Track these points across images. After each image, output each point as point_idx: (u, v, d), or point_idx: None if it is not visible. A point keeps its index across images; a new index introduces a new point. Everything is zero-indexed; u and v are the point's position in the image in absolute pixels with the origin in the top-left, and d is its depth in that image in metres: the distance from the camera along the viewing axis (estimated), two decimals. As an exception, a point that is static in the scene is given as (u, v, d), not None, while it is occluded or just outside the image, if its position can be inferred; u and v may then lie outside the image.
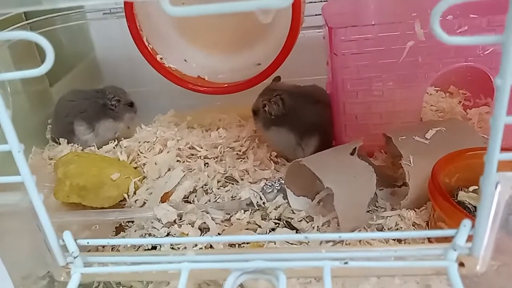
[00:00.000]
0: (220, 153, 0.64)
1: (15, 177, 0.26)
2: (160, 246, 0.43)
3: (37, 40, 0.22)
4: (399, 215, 0.47)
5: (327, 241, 0.34)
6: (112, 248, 0.42)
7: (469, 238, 0.26)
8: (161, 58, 0.67)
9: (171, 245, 0.44)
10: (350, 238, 0.26)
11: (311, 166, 0.45)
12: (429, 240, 0.38)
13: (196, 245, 0.43)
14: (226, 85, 0.67)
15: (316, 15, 0.68)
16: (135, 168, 0.63)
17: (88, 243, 0.28)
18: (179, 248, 0.44)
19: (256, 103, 0.62)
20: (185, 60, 0.71)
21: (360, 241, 0.37)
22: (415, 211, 0.47)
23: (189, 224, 0.49)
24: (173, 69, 0.68)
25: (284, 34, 0.65)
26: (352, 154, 0.49)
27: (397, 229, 0.44)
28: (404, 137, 0.51)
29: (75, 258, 0.28)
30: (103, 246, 0.40)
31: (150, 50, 0.66)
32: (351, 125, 0.60)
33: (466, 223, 0.26)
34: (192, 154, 0.65)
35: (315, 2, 0.73)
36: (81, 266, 0.27)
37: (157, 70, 0.67)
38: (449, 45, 0.54)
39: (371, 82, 0.57)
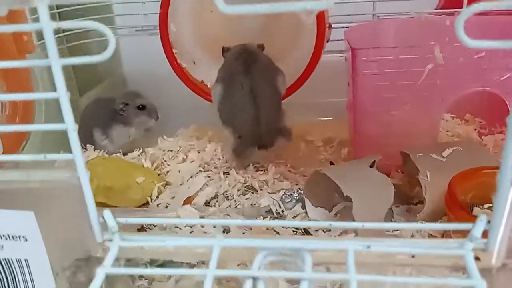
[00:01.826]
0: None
1: (67, 154, 0.29)
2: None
3: (99, 28, 0.25)
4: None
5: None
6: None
7: (485, 236, 0.28)
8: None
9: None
10: (373, 227, 0.28)
11: (331, 175, 0.47)
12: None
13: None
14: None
15: (337, 40, 0.71)
16: (159, 174, 0.66)
17: (126, 221, 0.31)
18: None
19: None
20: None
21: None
22: (431, 224, 0.48)
23: (212, 225, 0.50)
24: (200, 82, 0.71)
25: (303, 56, 0.68)
26: (371, 166, 0.50)
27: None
28: (421, 154, 0.52)
29: (113, 233, 0.30)
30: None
31: (179, 64, 0.70)
32: (369, 144, 0.62)
33: (482, 217, 0.27)
34: (214, 167, 0.68)
35: (336, 28, 0.76)
36: (119, 241, 0.29)
37: (188, 87, 0.70)
38: (467, 70, 0.57)
39: (390, 102, 0.59)
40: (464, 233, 0.38)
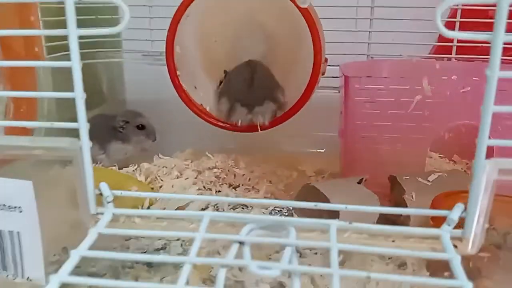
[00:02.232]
0: (232, 185, 0.68)
1: (72, 123, 0.31)
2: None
3: (116, 2, 0.28)
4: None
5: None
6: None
7: (462, 226, 0.30)
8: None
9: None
10: (356, 209, 0.29)
11: (320, 187, 0.49)
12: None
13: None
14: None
15: (332, 77, 0.75)
16: (152, 188, 0.67)
17: (121, 193, 0.32)
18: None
19: None
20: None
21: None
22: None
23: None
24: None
25: (299, 87, 0.72)
26: (359, 183, 0.52)
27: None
28: (408, 177, 0.54)
29: (108, 203, 0.31)
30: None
31: (182, 86, 0.73)
32: (359, 170, 0.64)
33: (459, 204, 0.29)
34: (206, 186, 0.69)
35: (331, 66, 0.80)
36: (113, 208, 0.31)
37: (189, 107, 0.73)
38: (454, 103, 0.60)
39: (380, 130, 0.62)
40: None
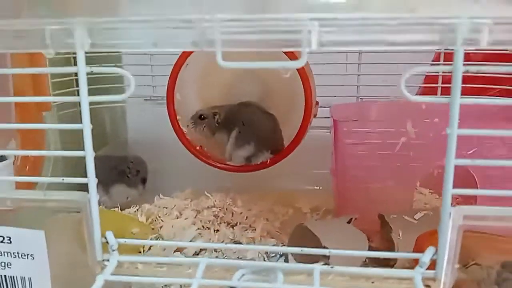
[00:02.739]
0: (230, 223, 0.71)
1: (82, 178, 0.35)
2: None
3: (121, 72, 0.32)
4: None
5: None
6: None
7: (434, 267, 0.33)
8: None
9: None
10: (337, 254, 0.33)
11: (311, 227, 0.52)
12: None
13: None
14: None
15: (324, 117, 0.79)
16: (153, 229, 0.69)
17: (125, 241, 0.35)
18: None
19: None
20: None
21: None
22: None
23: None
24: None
25: (294, 129, 0.76)
26: (348, 223, 0.55)
27: None
28: (395, 216, 0.57)
29: (113, 251, 0.34)
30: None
31: (182, 129, 0.77)
32: (350, 209, 0.67)
33: (431, 248, 0.32)
34: (205, 225, 0.72)
35: (323, 107, 0.84)
36: (117, 256, 0.34)
37: (189, 150, 0.77)
38: (437, 144, 0.64)
39: (369, 170, 0.65)
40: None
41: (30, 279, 0.38)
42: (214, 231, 0.68)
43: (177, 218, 0.72)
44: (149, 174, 0.82)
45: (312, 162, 0.85)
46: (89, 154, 0.33)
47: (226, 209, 0.78)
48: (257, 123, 0.75)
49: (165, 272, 0.34)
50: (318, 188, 0.90)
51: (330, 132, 0.73)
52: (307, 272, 0.31)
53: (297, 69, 0.65)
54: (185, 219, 0.72)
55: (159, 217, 0.73)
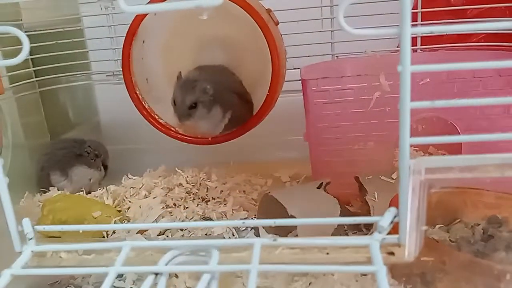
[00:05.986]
0: (202, 199, 0.67)
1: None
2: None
3: (14, 32, 0.27)
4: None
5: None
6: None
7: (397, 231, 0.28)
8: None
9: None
10: (285, 224, 0.28)
11: (277, 196, 0.48)
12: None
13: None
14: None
15: (296, 80, 0.74)
16: (119, 211, 0.65)
17: (44, 228, 0.30)
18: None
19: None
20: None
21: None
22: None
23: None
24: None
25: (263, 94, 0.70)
26: (318, 188, 0.51)
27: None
28: (370, 177, 0.53)
29: (29, 239, 0.30)
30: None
31: (147, 108, 0.71)
32: (327, 173, 0.62)
33: (392, 209, 0.28)
34: (176, 203, 0.68)
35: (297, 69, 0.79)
36: (33, 246, 0.29)
37: (155, 127, 0.71)
38: (414, 96, 0.59)
39: (343, 131, 0.60)
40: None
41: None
42: (184, 208, 0.64)
43: (146, 197, 0.68)
44: (122, 154, 0.78)
45: (288, 129, 0.80)
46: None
47: (200, 184, 0.73)
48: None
49: (91, 260, 0.29)
50: (297, 156, 0.85)
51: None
52: (248, 247, 0.27)
53: (259, 26, 0.59)
54: (154, 198, 0.67)
55: (126, 198, 0.68)
